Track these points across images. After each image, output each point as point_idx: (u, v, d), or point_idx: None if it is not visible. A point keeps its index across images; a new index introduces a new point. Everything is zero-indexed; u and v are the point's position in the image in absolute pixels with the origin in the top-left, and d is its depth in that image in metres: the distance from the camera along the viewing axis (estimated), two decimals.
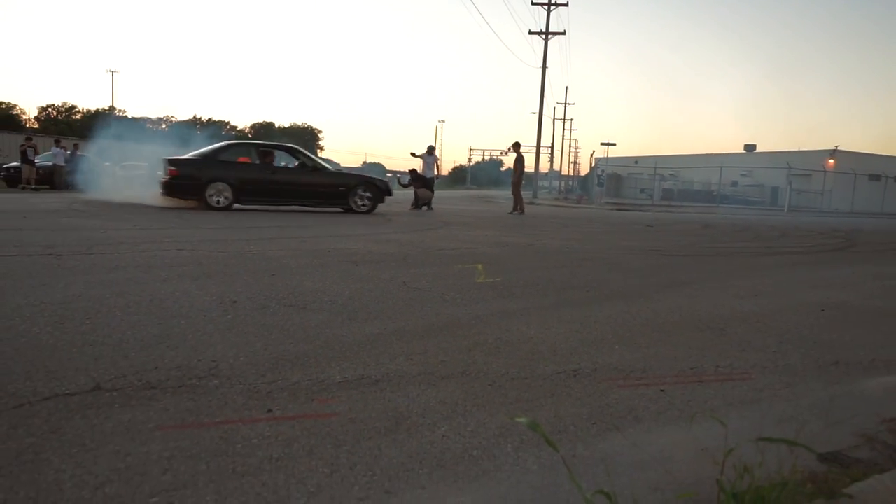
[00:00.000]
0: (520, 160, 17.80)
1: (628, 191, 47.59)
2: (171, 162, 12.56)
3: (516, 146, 17.87)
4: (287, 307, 3.68)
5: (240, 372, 2.55)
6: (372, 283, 4.62)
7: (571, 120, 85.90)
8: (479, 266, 5.55)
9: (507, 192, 28.44)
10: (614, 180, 45.89)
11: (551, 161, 67.27)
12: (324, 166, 14.03)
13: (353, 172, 15.45)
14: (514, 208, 17.61)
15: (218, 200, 12.61)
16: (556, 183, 66.14)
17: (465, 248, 7.29)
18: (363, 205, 13.55)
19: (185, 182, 12.52)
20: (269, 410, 2.21)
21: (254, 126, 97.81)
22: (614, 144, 55.72)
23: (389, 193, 14.08)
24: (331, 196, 13.46)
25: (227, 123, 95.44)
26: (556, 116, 70.13)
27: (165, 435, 2.00)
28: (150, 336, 2.96)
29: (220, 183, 12.59)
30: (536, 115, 37.30)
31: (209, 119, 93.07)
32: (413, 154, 18.01)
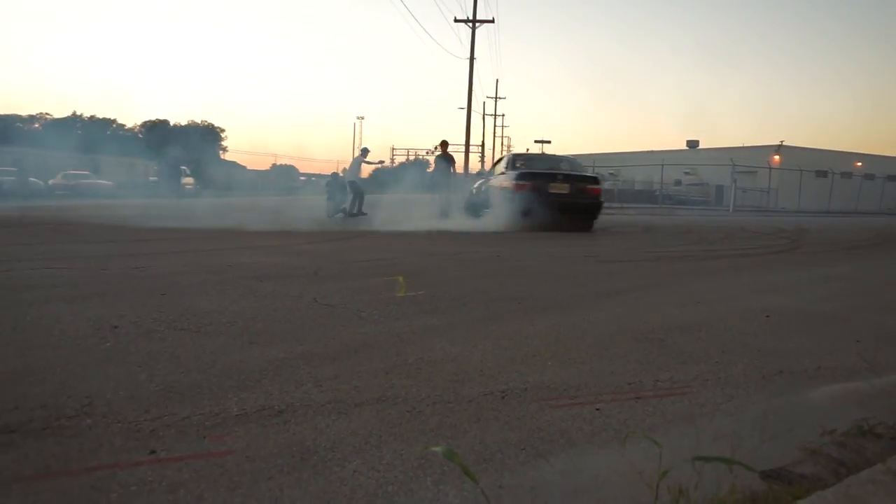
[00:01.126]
0: (447, 159, 17.86)
1: None
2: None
3: (443, 145, 17.90)
4: (178, 331, 3.58)
5: (119, 408, 2.45)
6: (277, 300, 4.54)
7: (503, 115, 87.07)
8: (400, 278, 5.54)
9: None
10: None
11: (482, 161, 68.11)
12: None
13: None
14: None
15: None
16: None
17: (386, 259, 7.27)
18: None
19: None
20: (153, 451, 2.13)
21: (144, 124, 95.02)
22: (549, 142, 56.71)
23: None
24: None
25: (114, 121, 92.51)
26: (487, 112, 71.44)
27: (25, 487, 1.89)
28: (9, 370, 2.81)
29: None
30: (465, 111, 37.73)
31: (92, 116, 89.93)
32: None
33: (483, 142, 64.80)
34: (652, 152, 51.32)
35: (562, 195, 12.95)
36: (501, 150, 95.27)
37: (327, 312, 4.18)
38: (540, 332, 3.81)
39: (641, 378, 3.02)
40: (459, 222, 14.36)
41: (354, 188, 17.11)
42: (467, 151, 38.45)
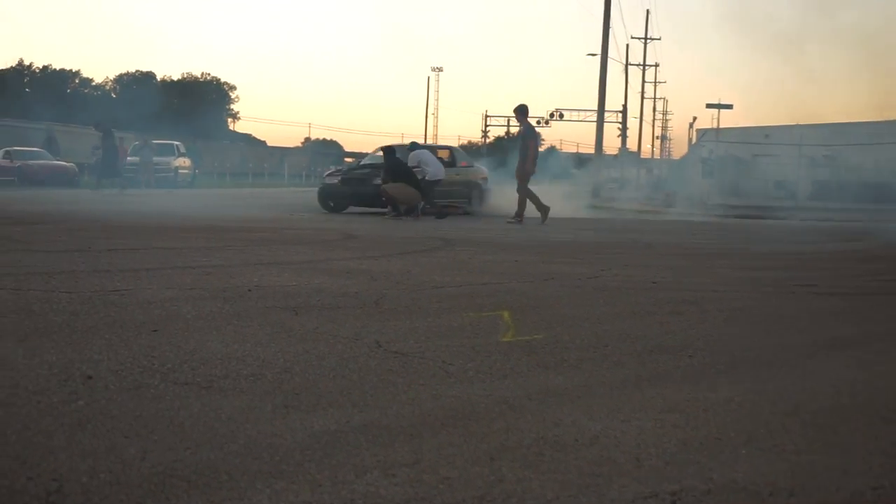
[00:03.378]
0: (530, 136, 17.91)
1: (754, 184, 47.73)
2: None
3: (521, 112, 17.96)
4: (179, 385, 3.66)
5: (99, 498, 2.52)
6: (323, 343, 4.61)
7: (657, 66, 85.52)
8: (506, 314, 5.54)
9: (553, 187, 28.58)
10: (731, 167, 46.10)
11: (623, 136, 67.65)
12: None
13: None
14: (516, 215, 17.49)
15: None
16: (630, 172, 66.27)
17: (482, 284, 7.32)
18: None
19: None
20: None
21: (119, 78, 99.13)
22: (730, 107, 56.03)
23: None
24: None
25: (77, 73, 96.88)
26: (631, 61, 70.74)
27: None
28: None
29: None
30: (598, 59, 37.63)
31: (45, 67, 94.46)
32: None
33: (625, 105, 64.25)
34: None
35: None
36: (654, 119, 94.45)
37: (398, 364, 4.21)
38: (726, 403, 3.75)
39: (893, 480, 2.92)
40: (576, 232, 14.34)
41: (408, 178, 17.59)
42: (601, 121, 38.36)
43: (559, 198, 20.32)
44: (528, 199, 17.60)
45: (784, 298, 7.20)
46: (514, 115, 18.34)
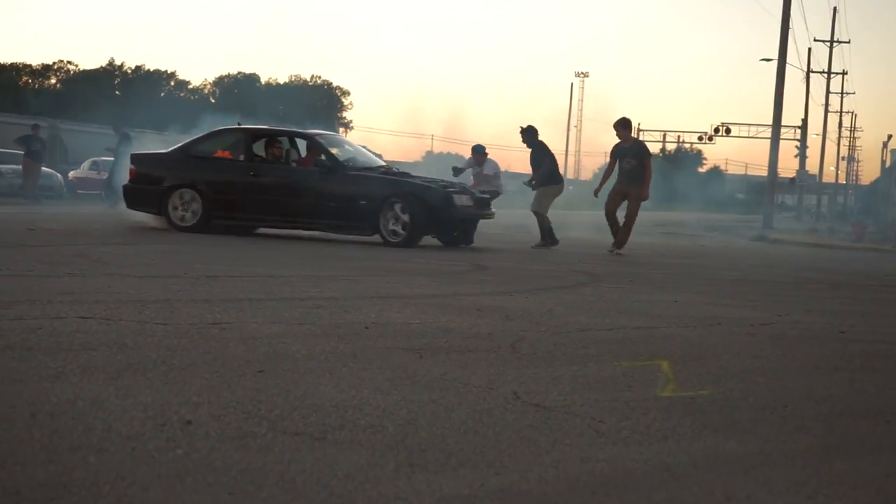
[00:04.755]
0: (541, 150, 17.80)
1: None
2: (134, 159, 17.16)
3: (529, 134, 18.20)
4: (289, 436, 3.69)
5: None
6: (452, 392, 4.62)
7: (844, 75, 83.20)
8: (665, 364, 5.47)
9: (725, 216, 28.25)
10: None
11: (802, 156, 66.40)
12: (342, 164, 16.37)
13: (390, 173, 16.91)
14: (615, 245, 17.08)
15: (182, 216, 16.07)
16: (809, 199, 65.09)
17: (635, 328, 7.27)
18: (394, 231, 15.40)
19: (144, 188, 16.73)
20: None
21: (219, 80, 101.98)
22: None
23: (451, 212, 15.58)
24: (346, 214, 15.62)
25: (173, 74, 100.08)
26: (813, 68, 69.30)
27: None
28: (27, 485, 3.00)
29: (186, 190, 16.11)
30: (773, 65, 37.07)
31: (139, 67, 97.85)
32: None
33: (804, 120, 63.02)
34: None
35: None
36: (839, 137, 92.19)
37: (539, 419, 4.19)
38: None
39: None
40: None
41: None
42: (776, 137, 37.72)
43: (721, 229, 19.93)
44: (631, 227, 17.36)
45: None
46: (522, 137, 18.24)
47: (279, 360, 5.15)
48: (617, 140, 17.36)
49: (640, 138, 75.10)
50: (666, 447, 3.87)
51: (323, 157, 16.06)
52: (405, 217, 15.13)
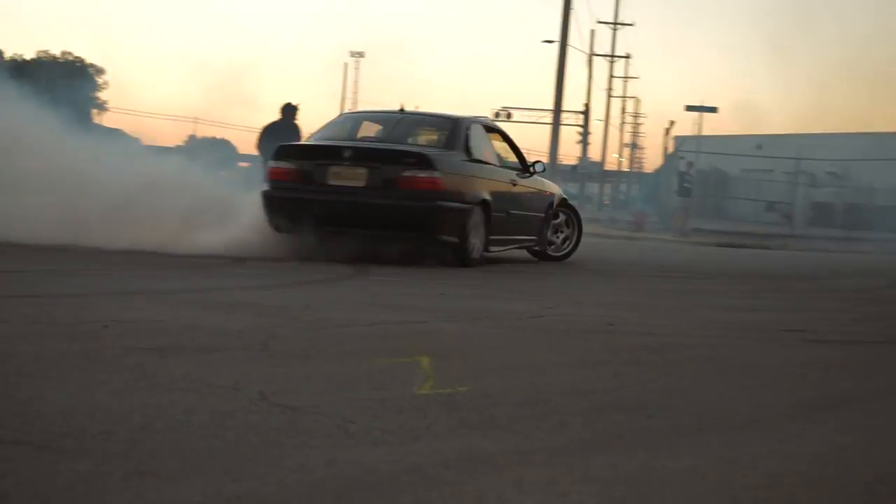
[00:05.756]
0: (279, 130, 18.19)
1: (741, 205, 48.34)
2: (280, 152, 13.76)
3: (287, 111, 18.76)
4: (7, 445, 3.62)
5: None
6: (194, 394, 4.60)
7: (628, 58, 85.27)
8: (425, 361, 5.56)
9: None
10: (714, 183, 46.60)
11: (584, 142, 67.75)
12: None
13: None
14: None
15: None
16: (591, 187, 66.48)
17: (398, 323, 7.36)
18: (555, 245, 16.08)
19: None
20: None
21: None
22: (714, 110, 56.70)
23: None
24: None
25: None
26: (597, 51, 70.90)
27: None
28: None
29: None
30: (555, 47, 37.85)
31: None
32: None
33: (587, 105, 64.51)
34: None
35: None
36: (623, 123, 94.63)
37: (286, 421, 4.20)
38: (688, 474, 3.79)
39: None
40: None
41: None
42: (557, 123, 38.54)
43: None
44: None
45: (767, 346, 7.30)
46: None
47: (3, 363, 5.03)
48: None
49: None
50: (418, 447, 3.93)
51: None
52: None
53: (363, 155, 13.24)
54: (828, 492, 3.70)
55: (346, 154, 13.16)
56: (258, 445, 3.84)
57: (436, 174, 12.52)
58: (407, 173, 12.64)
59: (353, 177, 12.95)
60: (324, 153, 13.51)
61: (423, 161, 12.71)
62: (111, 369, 5.06)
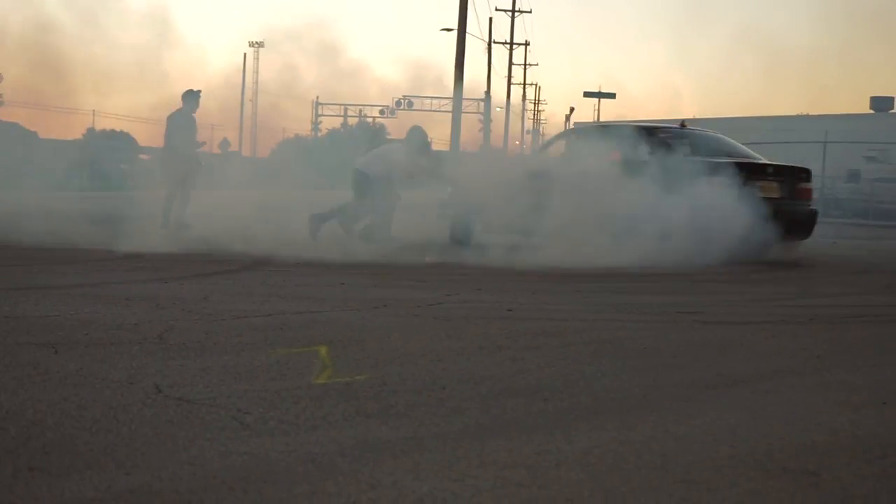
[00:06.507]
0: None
1: None
2: None
3: (188, 98, 18.40)
4: None
5: None
6: (87, 388, 4.58)
7: (527, 45, 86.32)
8: (323, 350, 5.55)
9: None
10: None
11: (486, 130, 67.62)
12: None
13: None
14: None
15: None
16: None
17: (296, 313, 7.35)
18: None
19: None
20: None
21: None
22: (612, 96, 57.09)
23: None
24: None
25: None
26: (496, 38, 71.24)
27: None
28: None
29: None
30: (454, 35, 37.95)
31: None
32: None
33: (487, 92, 64.84)
34: (806, 117, 51.54)
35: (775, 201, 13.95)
36: (524, 105, 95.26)
37: (181, 414, 4.20)
38: (583, 455, 3.83)
39: None
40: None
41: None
42: (458, 111, 38.61)
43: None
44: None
45: (663, 328, 7.41)
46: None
47: None
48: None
49: (320, 112, 75.36)
50: (314, 437, 3.94)
51: None
52: None
53: None
54: (721, 469, 3.75)
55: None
56: (152, 439, 3.82)
57: None
58: None
59: None
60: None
61: None
62: (3, 365, 5.02)
